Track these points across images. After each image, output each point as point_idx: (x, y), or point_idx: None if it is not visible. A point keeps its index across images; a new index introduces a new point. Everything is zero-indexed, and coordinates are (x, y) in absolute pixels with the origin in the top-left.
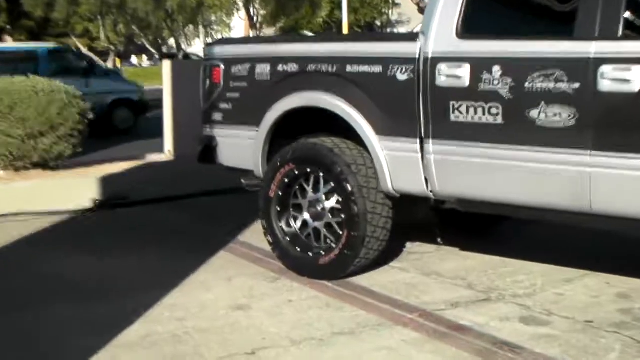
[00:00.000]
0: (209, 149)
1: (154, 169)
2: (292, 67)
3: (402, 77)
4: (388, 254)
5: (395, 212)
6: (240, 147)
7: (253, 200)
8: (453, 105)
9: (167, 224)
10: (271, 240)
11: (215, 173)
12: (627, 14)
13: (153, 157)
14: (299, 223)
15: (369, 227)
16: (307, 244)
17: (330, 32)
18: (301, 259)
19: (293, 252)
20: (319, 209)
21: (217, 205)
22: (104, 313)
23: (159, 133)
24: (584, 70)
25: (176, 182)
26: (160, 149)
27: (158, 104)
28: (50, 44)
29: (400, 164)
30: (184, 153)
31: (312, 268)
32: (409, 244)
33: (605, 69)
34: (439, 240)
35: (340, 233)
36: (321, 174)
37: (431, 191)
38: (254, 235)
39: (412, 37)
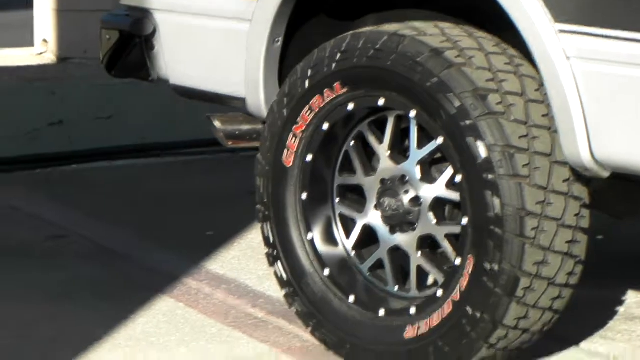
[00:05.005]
0: (131, 46)
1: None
2: None
3: None
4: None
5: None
6: (212, 42)
7: (244, 174)
8: None
9: (30, 226)
10: (285, 277)
11: (154, 101)
12: None
13: (12, 56)
14: (354, 234)
15: (532, 250)
16: (373, 287)
17: None
18: (357, 327)
19: (339, 306)
20: (406, 200)
21: (152, 183)
22: None
23: (23, 4)
24: None
25: (56, 115)
26: (27, 37)
27: None
28: None
29: (616, 94)
30: (74, 45)
31: (386, 351)
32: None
33: None
34: None
35: (456, 262)
36: (412, 115)
37: None
38: (245, 261)
39: None
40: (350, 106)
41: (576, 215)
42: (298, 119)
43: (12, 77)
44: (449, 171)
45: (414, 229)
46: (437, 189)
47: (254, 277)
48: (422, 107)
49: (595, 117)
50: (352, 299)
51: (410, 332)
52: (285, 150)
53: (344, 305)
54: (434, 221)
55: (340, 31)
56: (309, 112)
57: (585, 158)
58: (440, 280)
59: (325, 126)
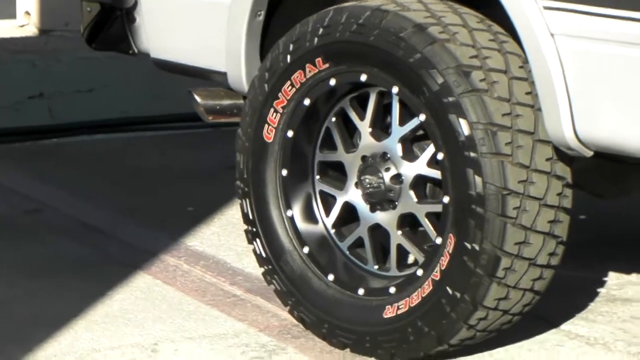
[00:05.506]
0: (112, 19)
1: None
2: None
3: None
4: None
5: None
6: (194, 15)
7: (226, 149)
8: None
9: (8, 201)
10: (264, 254)
11: (135, 75)
12: None
13: None
14: (334, 212)
15: (513, 230)
16: (353, 266)
17: None
18: (336, 306)
19: (318, 284)
20: (387, 178)
21: (133, 158)
22: None
23: None
24: None
25: (36, 88)
26: (9, 9)
27: None
28: None
29: (601, 72)
30: (57, 18)
31: (364, 331)
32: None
33: None
34: None
35: (437, 241)
36: (394, 91)
37: None
38: (224, 237)
39: None
40: (332, 82)
41: (559, 194)
42: (279, 94)
43: None
44: (431, 149)
45: (394, 207)
46: (419, 167)
47: (233, 253)
48: (405, 84)
49: (579, 95)
50: (331, 277)
51: (389, 312)
52: (266, 126)
53: (323, 284)
54: (415, 199)
55: (324, 5)
56: (290, 87)
57: (569, 136)
58: (421, 259)
59: (307, 102)
